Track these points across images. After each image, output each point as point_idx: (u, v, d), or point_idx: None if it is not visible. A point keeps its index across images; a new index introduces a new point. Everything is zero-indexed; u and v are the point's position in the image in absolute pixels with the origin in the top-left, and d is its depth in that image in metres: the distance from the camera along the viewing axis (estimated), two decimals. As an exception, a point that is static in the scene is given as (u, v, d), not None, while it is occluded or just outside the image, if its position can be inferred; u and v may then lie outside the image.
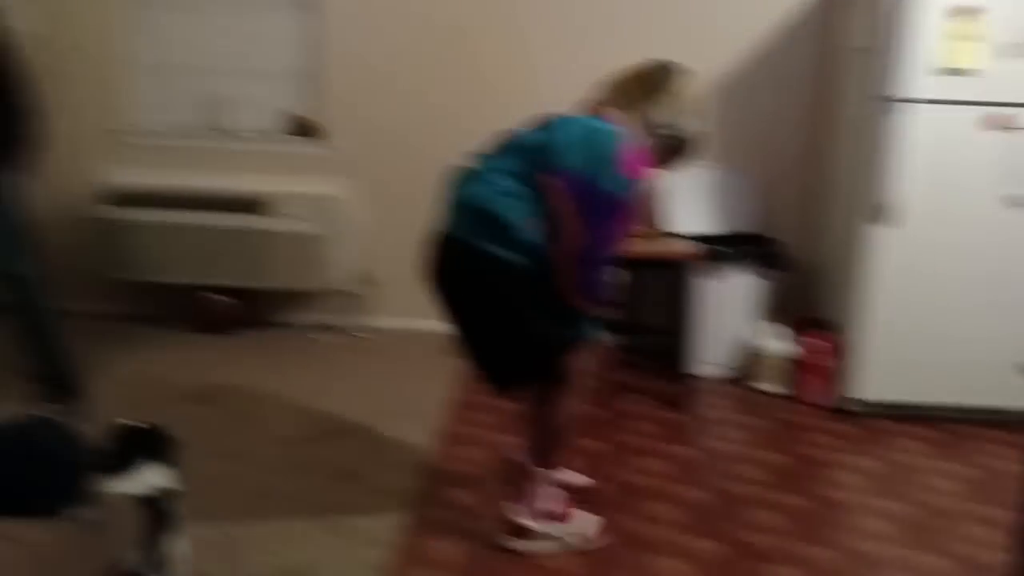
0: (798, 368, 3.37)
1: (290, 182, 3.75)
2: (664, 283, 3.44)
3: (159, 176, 3.75)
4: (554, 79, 3.36)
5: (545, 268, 2.12)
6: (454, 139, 3.71)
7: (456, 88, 3.71)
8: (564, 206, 2.07)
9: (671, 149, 2.25)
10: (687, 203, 3.58)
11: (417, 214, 3.81)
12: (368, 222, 3.87)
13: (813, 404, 3.30)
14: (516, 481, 2.41)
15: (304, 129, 3.76)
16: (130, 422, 1.93)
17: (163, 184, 3.71)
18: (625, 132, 2.13)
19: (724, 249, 3.42)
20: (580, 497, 2.48)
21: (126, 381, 3.26)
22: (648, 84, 2.23)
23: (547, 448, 2.35)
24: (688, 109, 2.25)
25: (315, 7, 3.66)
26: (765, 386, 3.44)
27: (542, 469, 2.35)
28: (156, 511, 1.86)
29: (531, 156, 2.13)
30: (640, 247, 2.98)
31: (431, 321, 3.88)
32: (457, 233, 2.18)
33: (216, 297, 3.77)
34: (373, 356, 3.69)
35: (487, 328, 2.22)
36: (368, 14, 3.65)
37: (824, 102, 3.63)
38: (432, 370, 3.50)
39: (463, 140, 3.67)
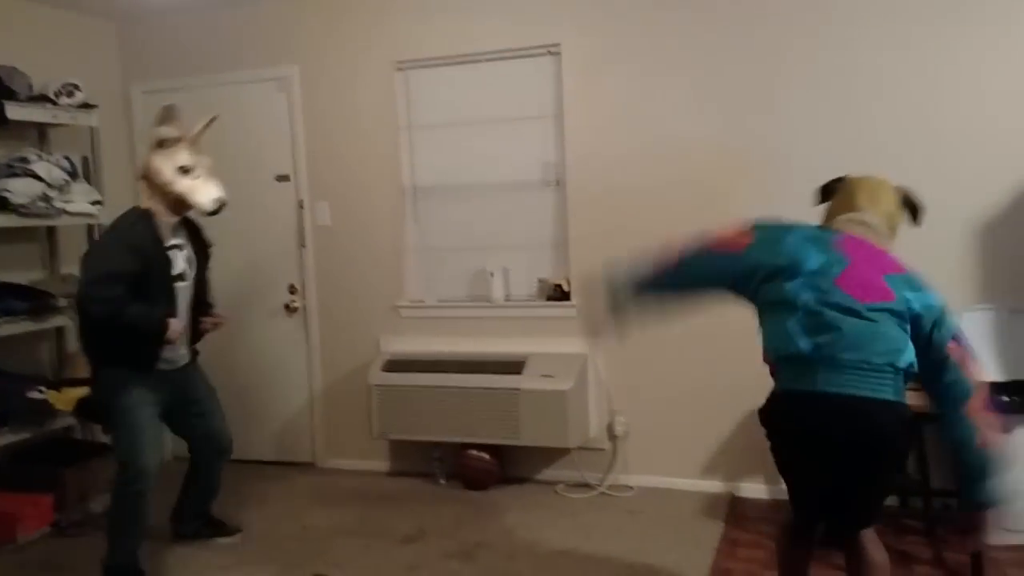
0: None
1: (542, 343, 3.97)
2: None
3: (427, 343, 4.16)
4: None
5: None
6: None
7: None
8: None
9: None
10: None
11: (662, 369, 3.84)
12: (616, 379, 3.95)
13: None
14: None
15: (555, 293, 4.00)
16: None
17: (431, 350, 4.11)
18: None
19: (1011, 399, 3.03)
20: None
21: (392, 537, 3.49)
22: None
23: None
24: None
25: (560, 185, 3.99)
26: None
27: None
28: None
29: (905, 317, 2.13)
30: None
31: (683, 479, 3.85)
32: (832, 389, 2.11)
33: (475, 454, 3.98)
34: (625, 514, 3.64)
35: (866, 476, 2.17)
36: (601, 187, 3.88)
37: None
38: (689, 531, 3.39)
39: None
